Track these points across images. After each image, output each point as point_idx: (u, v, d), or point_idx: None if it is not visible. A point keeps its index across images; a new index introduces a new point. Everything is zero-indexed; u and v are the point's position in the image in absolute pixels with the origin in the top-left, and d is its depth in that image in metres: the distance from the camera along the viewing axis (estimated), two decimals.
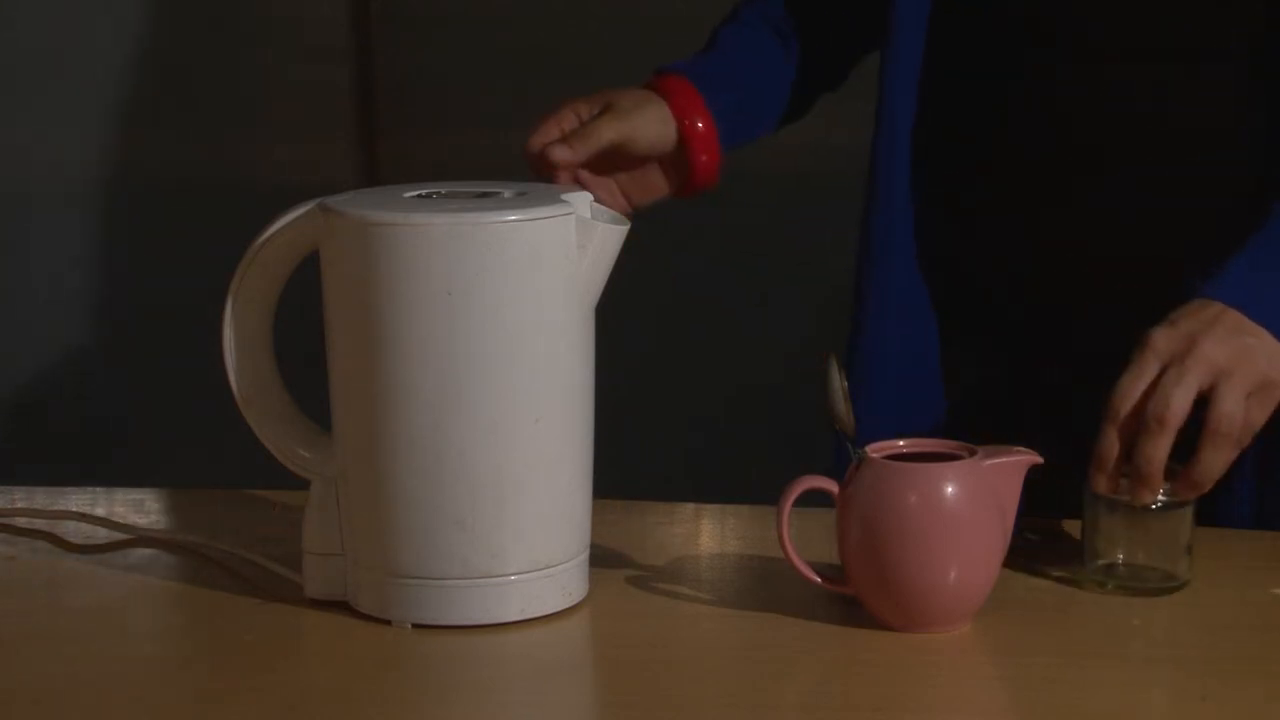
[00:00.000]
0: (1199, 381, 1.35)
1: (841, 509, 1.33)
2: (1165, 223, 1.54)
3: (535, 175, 1.54)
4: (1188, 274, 1.43)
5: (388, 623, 1.35)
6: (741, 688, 1.26)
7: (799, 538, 1.34)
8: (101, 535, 1.55)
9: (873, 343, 1.62)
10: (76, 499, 1.61)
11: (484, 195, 1.36)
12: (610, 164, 1.59)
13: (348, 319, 1.34)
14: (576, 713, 1.25)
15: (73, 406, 2.96)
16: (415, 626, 1.34)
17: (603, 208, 1.36)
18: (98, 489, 1.65)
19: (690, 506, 1.61)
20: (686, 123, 1.60)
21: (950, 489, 1.30)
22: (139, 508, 1.59)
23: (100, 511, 1.58)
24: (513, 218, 1.31)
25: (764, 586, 1.41)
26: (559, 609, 1.37)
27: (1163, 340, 1.37)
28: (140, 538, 1.53)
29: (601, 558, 1.42)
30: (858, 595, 1.34)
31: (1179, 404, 1.34)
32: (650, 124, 1.59)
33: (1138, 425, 1.35)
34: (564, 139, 1.55)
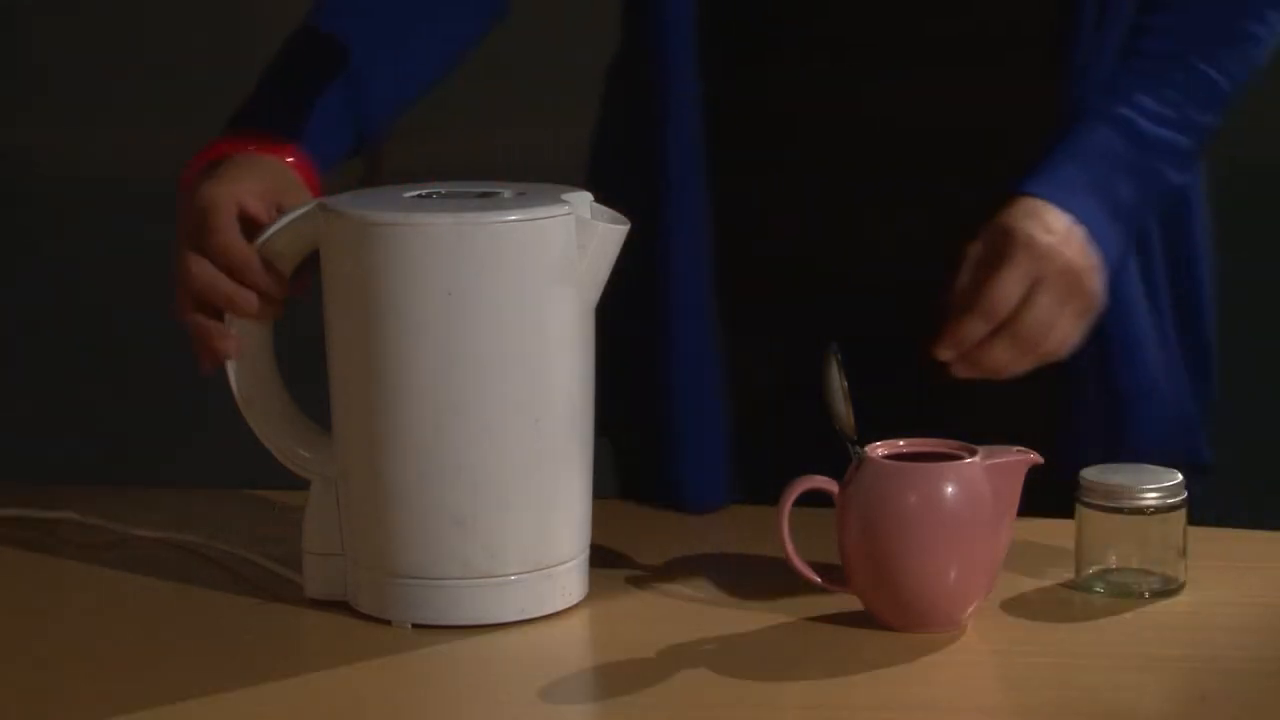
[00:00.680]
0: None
1: (841, 509, 1.33)
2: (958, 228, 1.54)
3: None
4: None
5: (388, 623, 1.35)
6: (741, 688, 1.26)
7: (799, 538, 1.34)
8: (101, 535, 1.55)
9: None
10: (73, 499, 1.61)
11: (484, 195, 1.36)
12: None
13: (347, 319, 1.34)
14: (576, 713, 1.25)
15: (73, 406, 2.96)
16: (415, 626, 1.34)
17: (602, 207, 1.36)
18: (97, 489, 1.65)
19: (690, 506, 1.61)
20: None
21: (950, 489, 1.30)
22: (139, 508, 1.59)
23: (100, 512, 1.58)
24: (513, 218, 1.31)
25: (764, 586, 1.41)
26: (559, 609, 1.37)
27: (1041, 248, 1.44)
28: (139, 538, 1.53)
29: (601, 558, 1.42)
30: (858, 595, 1.34)
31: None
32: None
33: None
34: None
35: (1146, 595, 1.38)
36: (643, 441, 1.61)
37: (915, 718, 1.23)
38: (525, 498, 1.34)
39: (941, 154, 1.57)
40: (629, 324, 1.50)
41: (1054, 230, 1.46)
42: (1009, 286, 1.44)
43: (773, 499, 1.34)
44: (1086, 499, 1.39)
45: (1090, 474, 1.39)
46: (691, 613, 1.38)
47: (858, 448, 1.34)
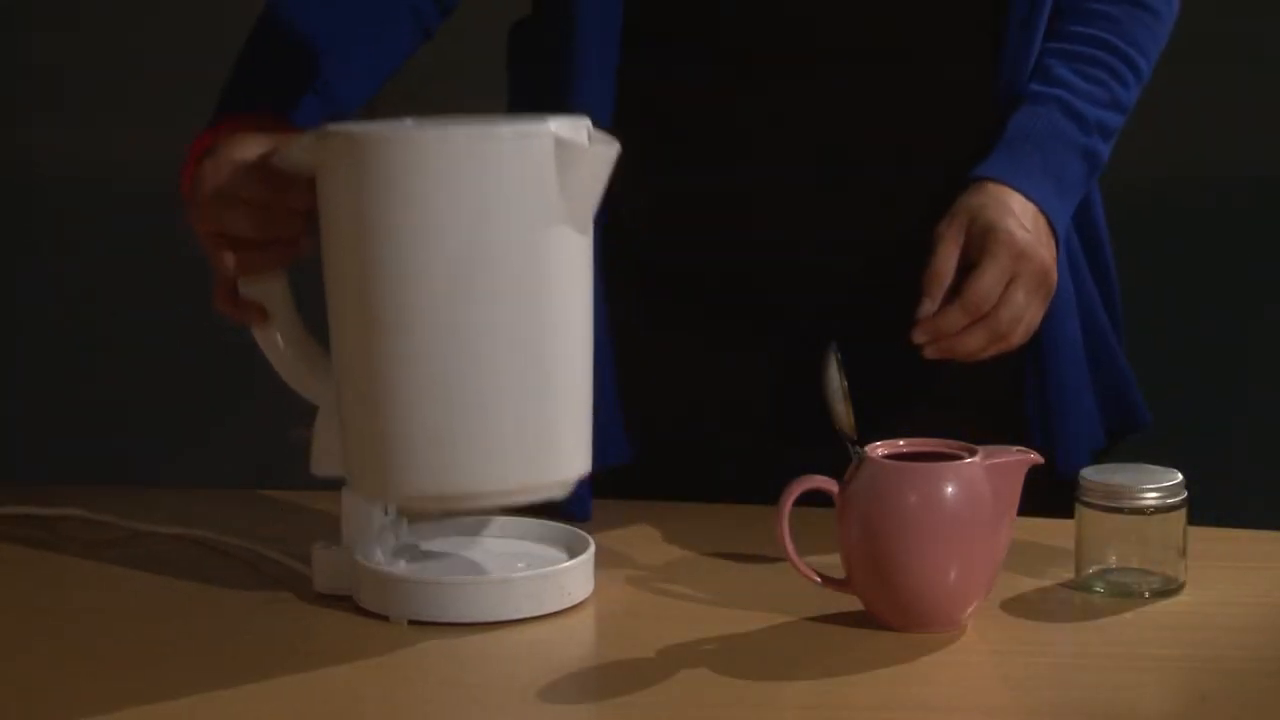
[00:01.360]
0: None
1: (841, 509, 1.33)
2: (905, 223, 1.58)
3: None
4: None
5: (387, 619, 1.35)
6: (742, 688, 1.26)
7: (799, 538, 1.34)
8: (101, 534, 1.55)
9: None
10: (76, 498, 1.61)
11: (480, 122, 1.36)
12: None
13: (339, 239, 1.33)
14: (576, 713, 1.25)
15: (74, 406, 2.96)
16: (415, 624, 1.34)
17: (599, 132, 1.35)
18: (98, 488, 1.65)
19: (690, 506, 1.61)
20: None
21: (950, 489, 1.30)
22: (139, 507, 1.59)
23: (100, 511, 1.58)
24: (495, 132, 1.30)
25: (764, 586, 1.41)
26: (559, 609, 1.37)
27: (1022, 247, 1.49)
28: (140, 536, 1.54)
29: (602, 558, 1.42)
30: (858, 595, 1.34)
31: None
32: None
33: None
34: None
35: (1146, 595, 1.38)
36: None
37: (915, 718, 1.23)
38: (509, 417, 1.31)
39: (870, 151, 1.59)
40: None
41: (1028, 226, 1.51)
42: (991, 283, 1.49)
43: (773, 499, 1.34)
44: (1086, 499, 1.39)
45: (1090, 474, 1.39)
46: (691, 613, 1.38)
47: (858, 448, 1.34)
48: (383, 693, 1.26)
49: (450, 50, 1.81)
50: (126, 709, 1.23)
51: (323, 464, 1.42)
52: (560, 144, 1.31)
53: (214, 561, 1.48)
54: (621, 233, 1.59)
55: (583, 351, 1.35)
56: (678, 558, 1.49)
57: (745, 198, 1.60)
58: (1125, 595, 1.38)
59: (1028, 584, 1.41)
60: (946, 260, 1.51)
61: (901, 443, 1.35)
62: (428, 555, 1.43)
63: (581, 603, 1.38)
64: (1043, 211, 1.53)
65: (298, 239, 1.41)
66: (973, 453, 1.32)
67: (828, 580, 1.35)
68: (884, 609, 1.33)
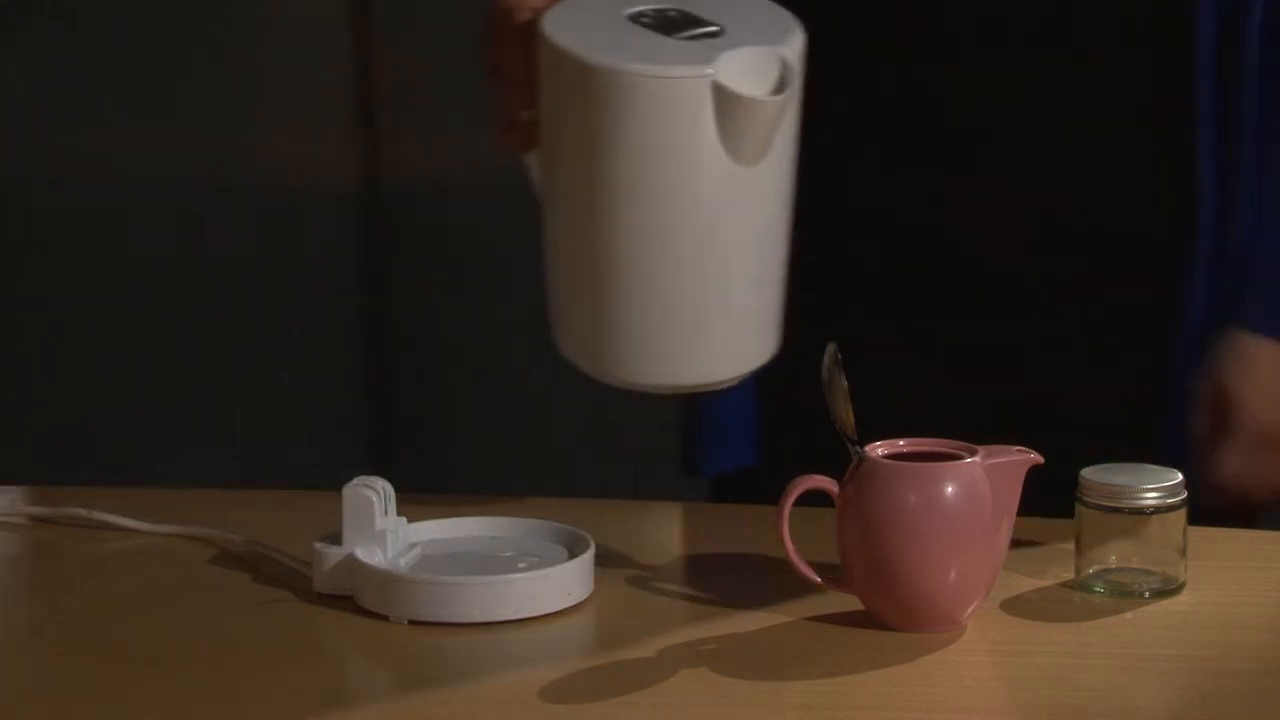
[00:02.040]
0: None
1: (841, 509, 1.33)
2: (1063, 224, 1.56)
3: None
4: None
5: (387, 619, 1.35)
6: (742, 688, 1.26)
7: (799, 538, 1.34)
8: (101, 534, 1.55)
9: None
10: (77, 498, 1.61)
11: (697, 33, 1.37)
12: None
13: (558, 134, 1.37)
14: (576, 713, 1.25)
15: (74, 405, 2.96)
16: (415, 624, 1.34)
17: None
18: (98, 488, 1.65)
19: (690, 506, 1.61)
20: None
21: (950, 489, 1.30)
22: (139, 507, 1.59)
23: (100, 510, 1.58)
24: (648, 72, 1.32)
25: (764, 586, 1.41)
26: (559, 609, 1.37)
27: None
28: (140, 536, 1.53)
29: (602, 558, 1.42)
30: (858, 595, 1.34)
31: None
32: None
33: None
34: None
35: (1146, 595, 1.38)
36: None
37: (915, 718, 1.23)
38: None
39: (1024, 151, 1.57)
40: None
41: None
42: (1235, 469, 1.49)
43: (773, 499, 1.34)
44: (1086, 499, 1.39)
45: (1090, 474, 1.39)
46: (691, 613, 1.38)
47: (858, 448, 1.34)
48: (383, 693, 1.26)
49: None
50: (126, 709, 1.23)
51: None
52: (720, 92, 1.31)
53: (214, 561, 1.48)
54: None
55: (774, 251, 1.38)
56: (678, 558, 1.49)
57: (907, 194, 1.59)
58: (1125, 595, 1.38)
59: (1028, 584, 1.41)
60: (1199, 426, 1.50)
61: (901, 442, 1.35)
62: (428, 555, 1.43)
63: (581, 603, 1.38)
64: None
65: None
66: (973, 453, 1.32)
67: (828, 580, 1.35)
68: (884, 609, 1.33)
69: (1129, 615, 1.36)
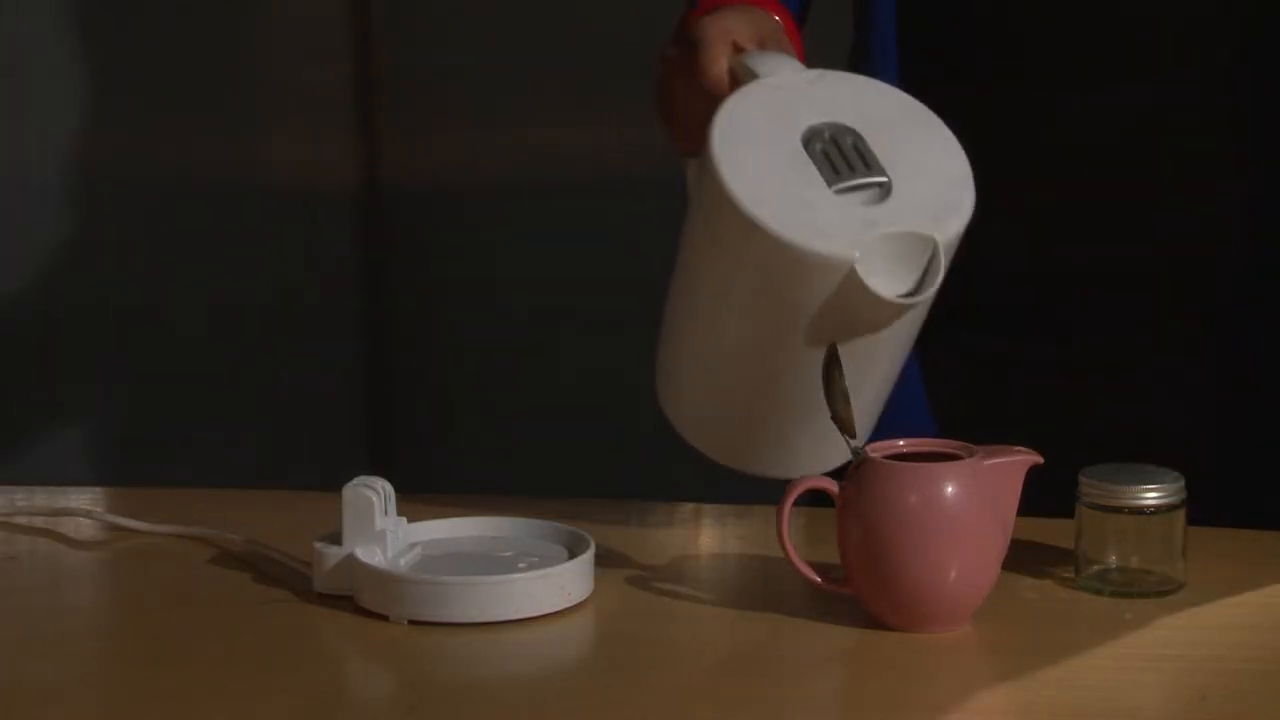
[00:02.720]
0: None
1: (841, 509, 1.33)
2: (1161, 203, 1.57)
3: None
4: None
5: (387, 619, 1.35)
6: (742, 688, 1.26)
7: (799, 538, 1.34)
8: (102, 534, 1.55)
9: None
10: (78, 498, 1.61)
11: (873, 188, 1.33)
12: None
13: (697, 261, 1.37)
14: (576, 713, 1.25)
15: (74, 405, 2.96)
16: (415, 624, 1.34)
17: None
18: (98, 488, 1.65)
19: (690, 506, 1.61)
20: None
21: (950, 489, 1.30)
22: (139, 507, 1.59)
23: (101, 510, 1.58)
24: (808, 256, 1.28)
25: (764, 586, 1.41)
26: (559, 609, 1.37)
27: None
28: (140, 536, 1.54)
29: (602, 558, 1.42)
30: (858, 595, 1.34)
31: None
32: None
33: None
34: None
35: (1147, 595, 1.38)
36: None
37: (915, 718, 1.23)
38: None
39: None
40: None
41: None
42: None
43: (773, 499, 1.34)
44: (1086, 499, 1.39)
45: (1090, 474, 1.39)
46: (691, 613, 1.38)
47: (858, 447, 1.34)
48: (383, 693, 1.26)
49: None
50: (126, 709, 1.23)
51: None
52: (853, 283, 1.28)
53: (214, 561, 1.48)
54: None
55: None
56: (678, 558, 1.49)
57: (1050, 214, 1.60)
58: (1125, 595, 1.38)
59: (1028, 584, 1.41)
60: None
61: (901, 443, 1.35)
62: (428, 555, 1.43)
63: (581, 603, 1.38)
64: None
65: None
66: (973, 453, 1.32)
67: (828, 580, 1.35)
68: (884, 609, 1.33)
69: (1129, 615, 1.36)
